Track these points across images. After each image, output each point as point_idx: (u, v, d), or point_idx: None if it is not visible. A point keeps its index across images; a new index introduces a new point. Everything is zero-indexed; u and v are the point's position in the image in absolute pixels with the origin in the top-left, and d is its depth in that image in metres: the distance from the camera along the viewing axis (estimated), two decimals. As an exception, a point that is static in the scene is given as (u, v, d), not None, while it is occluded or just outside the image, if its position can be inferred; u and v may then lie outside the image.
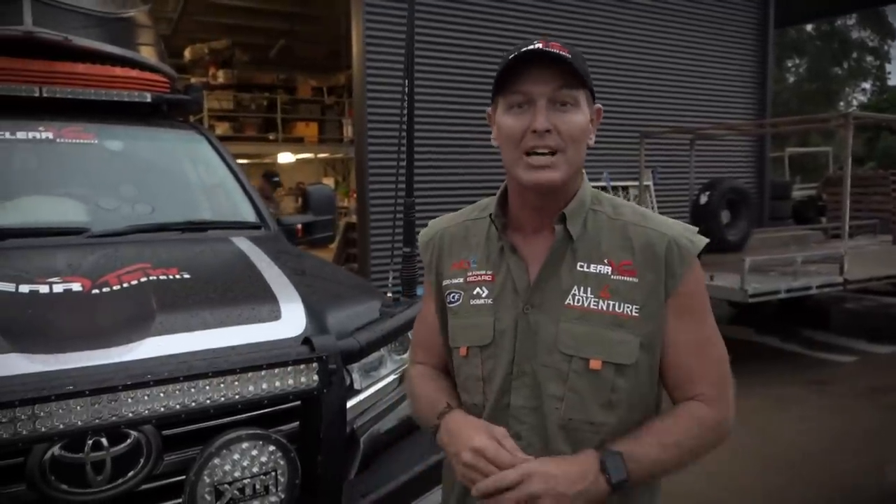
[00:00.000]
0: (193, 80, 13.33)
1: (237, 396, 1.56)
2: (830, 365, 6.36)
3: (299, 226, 3.28)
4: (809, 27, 27.16)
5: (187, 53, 13.48)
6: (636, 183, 8.29)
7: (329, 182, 16.70)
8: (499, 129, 1.20)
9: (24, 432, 1.35)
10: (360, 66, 7.26)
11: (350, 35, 7.48)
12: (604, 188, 8.51)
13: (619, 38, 8.96)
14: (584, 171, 1.27)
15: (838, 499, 3.60)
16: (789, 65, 29.91)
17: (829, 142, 19.05)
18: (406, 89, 3.01)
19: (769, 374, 5.87)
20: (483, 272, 1.25)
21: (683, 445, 1.16)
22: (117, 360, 1.59)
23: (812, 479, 3.82)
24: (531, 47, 1.13)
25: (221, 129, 13.37)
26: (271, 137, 14.03)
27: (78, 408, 1.39)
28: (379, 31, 7.21)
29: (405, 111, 3.19)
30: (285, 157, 16.11)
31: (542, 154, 1.14)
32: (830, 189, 11.60)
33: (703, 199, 7.70)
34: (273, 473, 1.60)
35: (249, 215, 3.12)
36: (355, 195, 8.89)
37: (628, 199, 8.73)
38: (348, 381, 1.96)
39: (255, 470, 1.58)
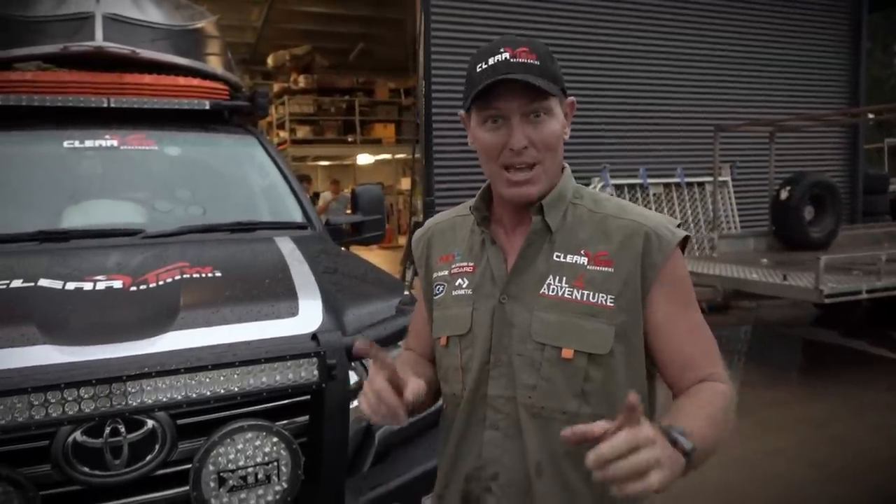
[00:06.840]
0: (276, 85, 13.85)
1: (237, 388, 1.63)
2: (923, 371, 5.92)
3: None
4: (920, 8, 25.11)
5: (270, 60, 14.02)
6: (711, 179, 7.98)
7: (406, 182, 16.94)
8: (475, 141, 1.22)
9: (38, 417, 1.47)
10: (426, 67, 7.35)
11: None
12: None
13: (689, 25, 8.62)
14: (566, 164, 1.27)
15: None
16: (897, 49, 27.86)
17: (939, 131, 17.63)
18: (423, 91, 3.03)
19: (852, 378, 5.51)
20: (465, 263, 1.28)
21: (717, 419, 1.09)
22: (138, 352, 1.69)
23: (879, 490, 3.60)
24: (499, 59, 1.14)
25: (302, 132, 13.83)
26: (350, 139, 14.38)
27: (87, 396, 1.50)
28: (444, 31, 7.28)
29: (423, 113, 3.23)
30: (364, 159, 16.48)
31: (521, 169, 1.17)
32: (934, 182, 10.82)
33: (784, 194, 7.33)
34: (275, 464, 1.67)
35: (297, 216, 3.24)
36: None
37: (703, 196, 8.44)
38: (361, 376, 2.01)
39: (258, 460, 1.66)
